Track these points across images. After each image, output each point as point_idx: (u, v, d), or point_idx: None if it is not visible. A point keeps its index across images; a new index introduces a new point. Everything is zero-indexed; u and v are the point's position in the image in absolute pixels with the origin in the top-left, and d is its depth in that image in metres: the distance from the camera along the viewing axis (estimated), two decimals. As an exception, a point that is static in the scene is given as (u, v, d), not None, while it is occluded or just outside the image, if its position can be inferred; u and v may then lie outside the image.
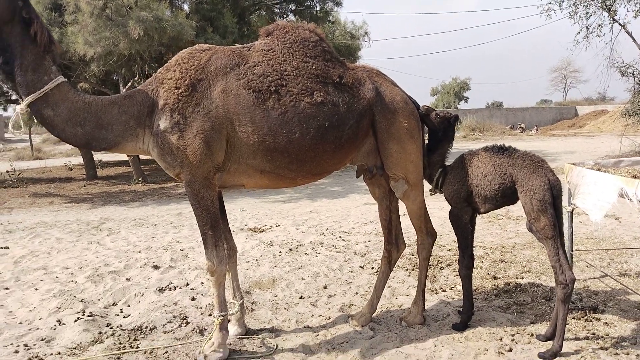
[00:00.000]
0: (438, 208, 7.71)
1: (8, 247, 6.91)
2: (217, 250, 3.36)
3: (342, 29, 21.87)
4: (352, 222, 7.96)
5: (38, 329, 4.08)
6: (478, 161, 3.62)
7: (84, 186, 14.33)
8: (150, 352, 3.58)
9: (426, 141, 3.97)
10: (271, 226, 7.91)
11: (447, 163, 3.92)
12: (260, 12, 17.23)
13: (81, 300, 4.64)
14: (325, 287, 4.87)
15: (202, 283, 5.06)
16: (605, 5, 16.36)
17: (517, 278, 4.82)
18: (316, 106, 3.33)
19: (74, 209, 10.67)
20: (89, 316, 4.24)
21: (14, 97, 15.63)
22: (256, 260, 5.88)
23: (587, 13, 16.99)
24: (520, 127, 37.14)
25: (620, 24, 16.90)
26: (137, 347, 3.67)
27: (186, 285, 5.01)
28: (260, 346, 3.65)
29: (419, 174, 3.78)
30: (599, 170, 4.04)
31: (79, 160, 19.36)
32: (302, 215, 8.89)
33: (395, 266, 5.10)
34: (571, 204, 4.21)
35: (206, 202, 3.29)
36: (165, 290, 4.90)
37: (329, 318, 4.11)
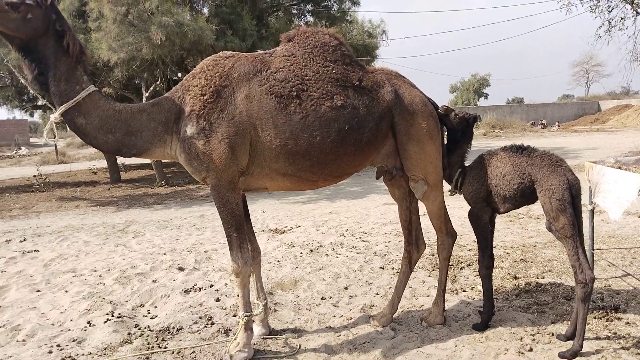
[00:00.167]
0: (458, 207, 7.71)
1: (38, 251, 7.12)
2: (241, 252, 3.46)
3: (360, 28, 21.87)
4: (372, 223, 8.01)
5: (69, 330, 4.22)
6: (497, 161, 3.65)
7: (109, 189, 14.62)
8: (178, 352, 3.69)
9: (445, 142, 4.00)
10: (292, 227, 8.00)
11: (466, 163, 3.95)
12: (278, 13, 17.35)
13: (110, 302, 4.78)
14: (346, 288, 4.94)
15: (226, 284, 5.17)
16: (628, -2, 16.13)
17: (537, 278, 4.82)
18: (336, 110, 3.40)
19: (99, 212, 10.92)
20: (117, 317, 4.37)
21: (39, 102, 16.06)
22: (278, 261, 5.98)
23: (609, 6, 16.77)
24: (542, 124, 36.66)
25: (643, 17, 16.63)
26: (165, 348, 3.78)
27: (210, 287, 5.13)
28: (284, 346, 3.74)
29: (438, 175, 3.82)
30: (619, 168, 4.04)
31: (103, 163, 19.75)
32: (322, 216, 8.96)
33: (416, 267, 5.13)
34: (592, 202, 4.21)
35: (231, 205, 3.39)
36: (190, 291, 5.03)
37: (351, 318, 4.17)
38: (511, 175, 3.52)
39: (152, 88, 14.41)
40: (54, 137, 3.58)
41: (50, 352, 3.80)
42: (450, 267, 5.24)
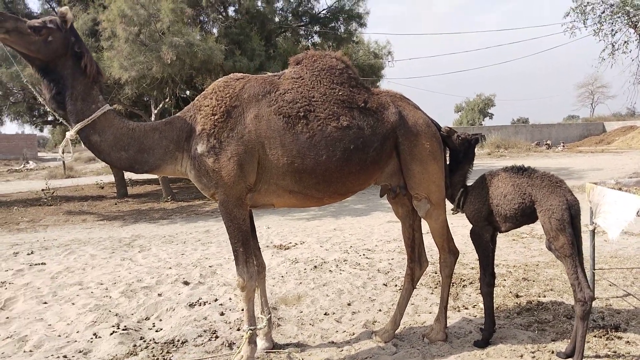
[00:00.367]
0: (462, 226, 7.75)
1: (45, 263, 7.21)
2: (247, 266, 3.54)
3: (366, 48, 22.18)
4: (376, 240, 8.07)
5: (76, 341, 4.28)
6: (498, 181, 3.73)
7: (115, 204, 14.76)
8: (183, 364, 3.75)
9: (447, 162, 4.09)
10: (296, 243, 8.07)
11: (469, 183, 4.04)
12: (286, 34, 17.62)
13: (116, 315, 4.85)
14: (349, 304, 4.99)
15: (230, 299, 5.23)
16: (632, 22, 16.28)
17: (539, 296, 4.86)
18: (342, 130, 3.50)
19: (106, 226, 11.03)
20: (123, 330, 4.44)
21: (49, 118, 16.33)
22: (282, 276, 6.04)
23: (612, 30, 16.93)
24: (547, 144, 36.75)
25: (646, 41, 16.76)
26: (170, 360, 3.85)
27: (215, 301, 5.19)
28: (287, 360, 3.79)
29: (441, 194, 3.90)
30: (620, 189, 4.11)
31: (110, 178, 19.94)
32: (326, 232, 9.03)
33: (419, 284, 5.20)
34: (593, 222, 4.27)
35: (238, 221, 3.48)
36: (195, 305, 5.09)
37: (353, 334, 4.22)
38: (512, 195, 3.61)
39: (161, 105, 14.63)
40: (70, 153, 3.70)
41: (57, 362, 3.87)
42: (453, 285, 5.29)
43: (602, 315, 4.29)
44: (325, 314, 4.74)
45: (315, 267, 6.43)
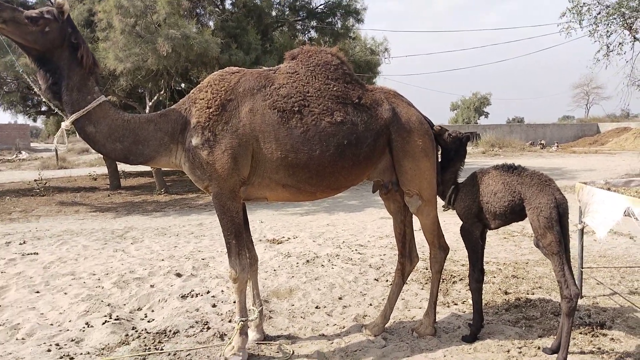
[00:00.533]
0: (454, 224, 7.81)
1: (37, 253, 7.22)
2: (240, 258, 3.58)
3: (363, 45, 22.14)
4: (368, 236, 8.12)
5: (68, 330, 4.32)
6: (489, 179, 3.78)
7: (108, 196, 14.73)
8: (174, 354, 3.79)
9: (439, 159, 4.14)
10: (289, 238, 8.11)
11: (460, 180, 4.09)
12: (282, 28, 17.58)
13: (108, 305, 4.88)
14: (340, 298, 5.04)
15: (222, 291, 5.27)
16: (627, 24, 16.36)
17: (528, 294, 4.93)
18: (336, 125, 3.54)
19: (98, 217, 11.02)
20: (115, 319, 4.47)
21: (43, 108, 16.23)
22: (274, 270, 6.08)
23: (607, 31, 17.00)
24: (541, 144, 36.95)
25: (641, 42, 16.85)
26: (162, 350, 3.88)
27: (207, 293, 5.23)
28: (277, 352, 3.84)
29: (432, 191, 3.95)
30: (609, 189, 4.18)
31: (103, 170, 19.88)
32: (319, 227, 9.08)
33: (409, 279, 5.26)
34: (581, 221, 4.33)
35: (231, 213, 3.52)
36: (187, 297, 5.13)
37: (344, 327, 4.28)
38: (502, 193, 3.66)
39: (155, 97, 14.60)
40: (64, 144, 3.72)
41: (49, 350, 3.90)
42: (443, 281, 5.35)
43: (588, 312, 4.36)
44: (316, 307, 4.79)
45: (307, 261, 6.48)
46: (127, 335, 4.17)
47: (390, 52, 22.40)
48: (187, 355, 3.78)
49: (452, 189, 4.03)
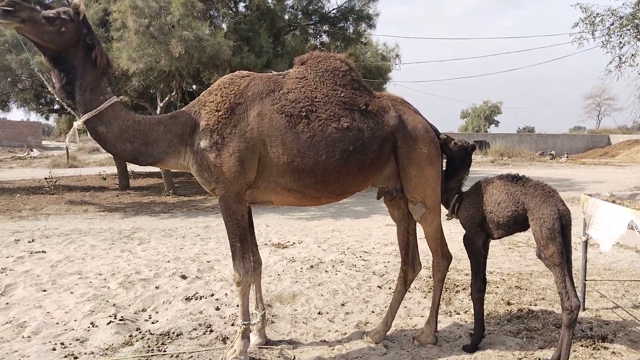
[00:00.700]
0: (459, 233, 7.80)
1: (45, 252, 7.30)
2: (244, 262, 3.61)
3: (374, 50, 22.18)
4: (373, 243, 8.13)
5: (73, 329, 4.37)
6: (492, 189, 3.80)
7: (117, 196, 14.86)
8: (177, 356, 3.83)
9: (444, 168, 4.16)
10: (294, 242, 8.14)
11: (464, 189, 4.10)
12: (295, 32, 17.67)
13: (113, 305, 4.93)
14: (343, 304, 5.06)
15: (226, 294, 5.31)
16: (640, 36, 16.31)
17: (530, 305, 4.92)
18: (342, 131, 3.57)
19: (107, 217, 11.12)
20: (120, 320, 4.51)
21: (56, 106, 16.40)
22: (278, 275, 6.11)
23: (620, 42, 16.95)
24: (551, 154, 36.75)
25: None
26: (164, 351, 3.92)
27: (211, 296, 5.27)
28: (279, 356, 3.86)
29: (436, 199, 3.96)
30: (614, 202, 4.17)
31: (112, 170, 20.06)
32: (324, 233, 9.10)
33: (412, 287, 5.27)
34: (585, 234, 4.33)
35: (237, 217, 3.56)
36: (191, 299, 5.17)
37: (345, 334, 4.29)
38: (506, 203, 3.67)
39: (167, 98, 14.72)
40: (76, 143, 3.78)
41: (54, 349, 3.95)
42: (446, 290, 5.36)
43: (590, 325, 4.34)
44: (319, 313, 4.81)
45: (311, 266, 6.50)
46: (131, 336, 4.20)
47: (401, 58, 22.42)
48: (189, 358, 3.81)
49: (456, 197, 4.05)
